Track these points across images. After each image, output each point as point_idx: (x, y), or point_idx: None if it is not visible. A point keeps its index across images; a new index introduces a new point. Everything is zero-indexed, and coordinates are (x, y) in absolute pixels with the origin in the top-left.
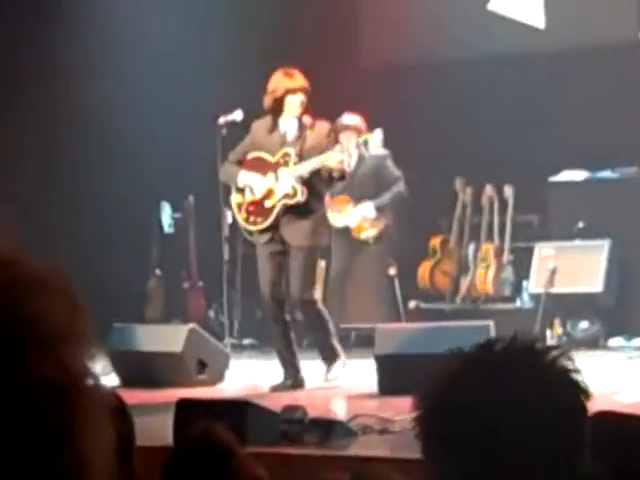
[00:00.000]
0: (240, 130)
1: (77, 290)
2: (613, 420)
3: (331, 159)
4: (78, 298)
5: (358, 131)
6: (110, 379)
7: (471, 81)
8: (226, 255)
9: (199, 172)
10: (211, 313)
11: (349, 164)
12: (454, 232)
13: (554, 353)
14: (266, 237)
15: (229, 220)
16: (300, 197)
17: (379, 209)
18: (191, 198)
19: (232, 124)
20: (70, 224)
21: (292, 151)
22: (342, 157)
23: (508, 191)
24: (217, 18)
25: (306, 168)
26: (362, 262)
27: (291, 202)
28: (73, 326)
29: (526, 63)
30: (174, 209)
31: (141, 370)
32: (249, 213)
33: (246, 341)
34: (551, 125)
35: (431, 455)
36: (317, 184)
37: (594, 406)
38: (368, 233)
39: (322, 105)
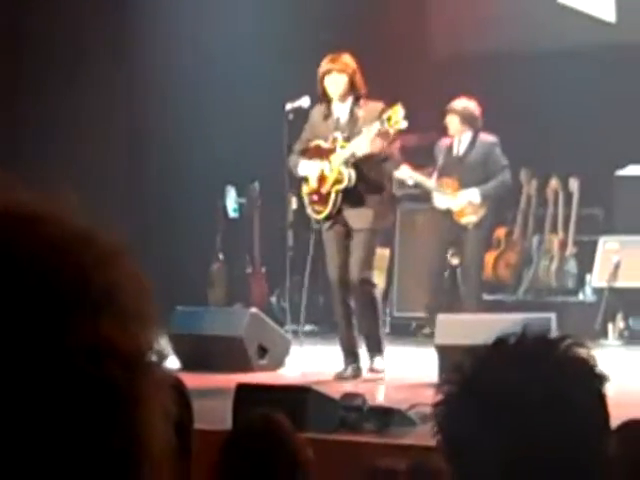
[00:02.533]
0: (307, 116)
1: (144, 270)
2: None
3: (361, 144)
4: (146, 277)
5: (463, 115)
6: (170, 362)
7: (539, 74)
8: (290, 241)
9: (265, 158)
10: (273, 299)
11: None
12: (518, 224)
13: (567, 342)
14: (329, 223)
15: (293, 206)
16: (348, 182)
17: (484, 196)
18: (256, 183)
19: (299, 110)
20: (135, 206)
21: (339, 135)
22: (370, 137)
23: (573, 184)
24: (288, 7)
25: (349, 151)
26: (458, 247)
27: (341, 187)
28: (142, 304)
29: (595, 56)
30: (239, 194)
31: (202, 353)
32: (312, 202)
33: (307, 327)
34: (619, 119)
35: (451, 457)
36: (375, 166)
37: None
38: (469, 219)
39: (390, 94)
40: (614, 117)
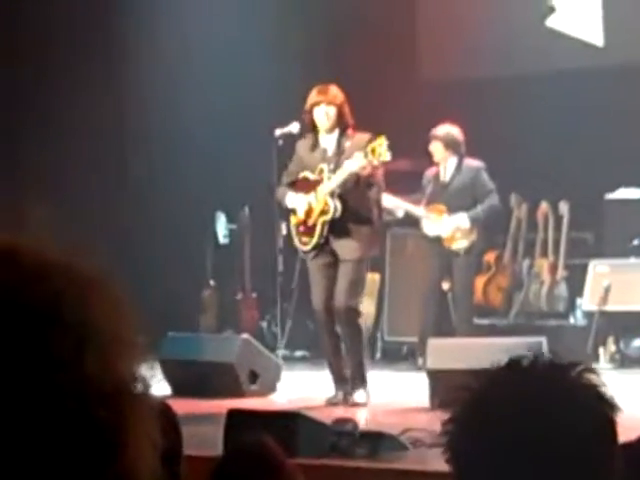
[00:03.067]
0: (296, 142)
1: (128, 296)
2: None
3: (352, 166)
4: (129, 304)
5: (446, 141)
6: (162, 388)
7: (528, 97)
8: (280, 267)
9: (255, 183)
10: (264, 324)
11: (373, 167)
12: (509, 248)
13: (579, 368)
14: (314, 253)
15: (284, 232)
16: (334, 212)
17: (473, 221)
18: (246, 209)
19: (288, 136)
20: (126, 233)
21: (325, 166)
22: (362, 163)
23: (563, 207)
24: (277, 31)
25: (335, 182)
26: (449, 272)
27: (327, 218)
28: (123, 331)
29: (584, 80)
30: (229, 220)
31: (193, 379)
32: (300, 234)
33: (298, 353)
34: (608, 142)
35: (460, 476)
36: (361, 195)
37: None
38: (459, 244)
39: (379, 119)
40: (603, 140)
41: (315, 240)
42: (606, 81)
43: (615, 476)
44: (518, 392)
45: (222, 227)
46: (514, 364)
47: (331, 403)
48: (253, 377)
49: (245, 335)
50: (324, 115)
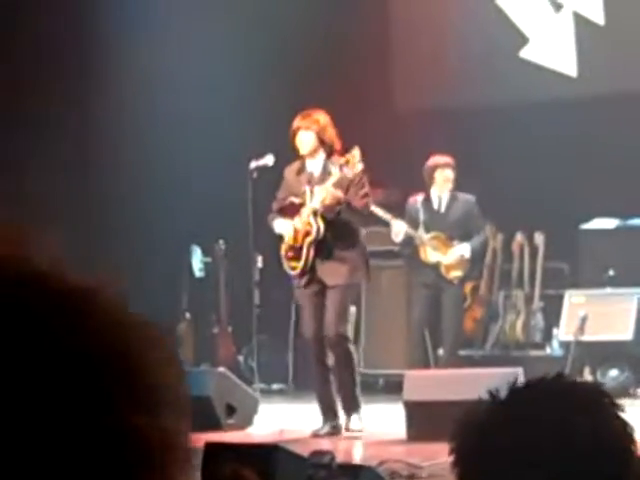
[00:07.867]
0: (271, 174)
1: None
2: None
3: (329, 183)
4: (177, 357)
5: (451, 167)
6: None
7: (502, 128)
8: (256, 299)
9: (230, 216)
10: (240, 358)
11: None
12: (484, 279)
13: (589, 386)
14: (304, 280)
15: (259, 264)
16: (317, 232)
17: (473, 251)
18: (221, 242)
19: (263, 169)
20: (99, 264)
21: (307, 188)
22: (336, 176)
23: (539, 238)
24: (250, 64)
25: (315, 201)
26: (443, 301)
27: (311, 239)
28: (179, 393)
29: (558, 111)
30: (205, 253)
31: None
32: (288, 259)
33: (275, 386)
34: (582, 173)
35: None
36: (348, 221)
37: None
38: (456, 274)
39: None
40: (578, 170)
41: (302, 263)
42: (580, 111)
43: None
44: (528, 413)
45: (197, 260)
46: (519, 388)
47: (317, 435)
48: (230, 411)
49: (221, 369)
50: (302, 141)
